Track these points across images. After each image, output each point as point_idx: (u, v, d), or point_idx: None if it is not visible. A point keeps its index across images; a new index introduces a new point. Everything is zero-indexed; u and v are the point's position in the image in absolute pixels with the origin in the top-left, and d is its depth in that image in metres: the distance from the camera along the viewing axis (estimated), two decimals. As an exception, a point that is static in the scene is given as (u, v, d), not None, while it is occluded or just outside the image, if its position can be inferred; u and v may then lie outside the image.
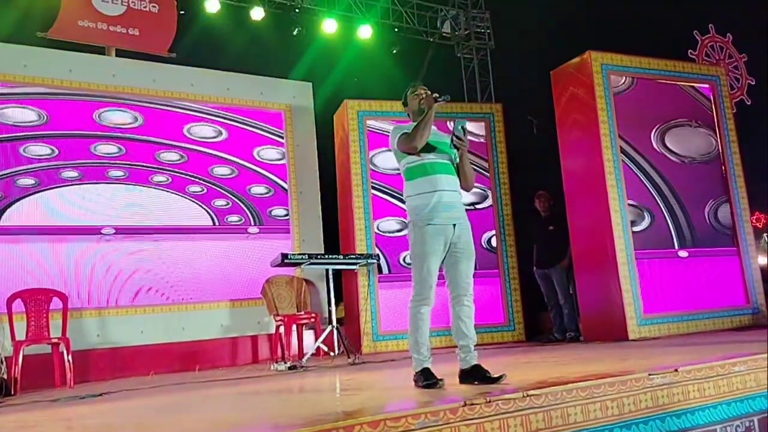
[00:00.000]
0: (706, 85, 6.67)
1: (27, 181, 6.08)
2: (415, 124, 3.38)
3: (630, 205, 5.98)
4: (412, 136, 3.25)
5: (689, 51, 7.93)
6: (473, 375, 3.16)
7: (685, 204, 6.26)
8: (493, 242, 7.20)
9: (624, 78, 6.30)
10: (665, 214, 6.19)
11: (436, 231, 3.20)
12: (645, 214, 6.07)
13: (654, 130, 6.32)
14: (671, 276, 6.03)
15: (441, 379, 3.10)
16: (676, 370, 2.84)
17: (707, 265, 6.20)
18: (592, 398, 2.61)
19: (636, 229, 5.96)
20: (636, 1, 7.47)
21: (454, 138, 3.30)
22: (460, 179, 3.37)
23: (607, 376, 2.80)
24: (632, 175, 6.09)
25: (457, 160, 3.40)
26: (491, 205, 7.25)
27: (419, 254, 3.22)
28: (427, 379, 3.13)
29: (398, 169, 3.46)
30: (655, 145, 6.29)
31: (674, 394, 2.79)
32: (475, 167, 7.12)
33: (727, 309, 6.08)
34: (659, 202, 6.18)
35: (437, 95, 3.34)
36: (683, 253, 6.16)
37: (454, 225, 3.24)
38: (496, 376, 3.09)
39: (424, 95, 3.43)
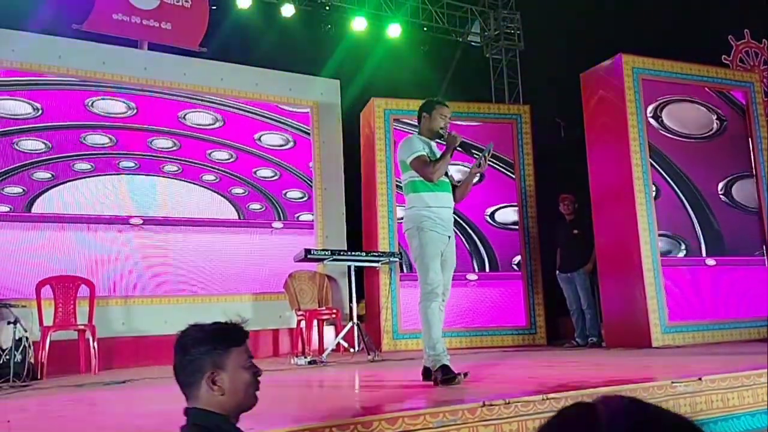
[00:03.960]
0: (740, 92, 6.55)
1: (58, 170, 6.21)
2: (425, 138, 3.62)
3: (663, 235, 5.88)
4: (434, 171, 3.47)
5: (723, 56, 7.79)
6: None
7: (714, 211, 6.16)
8: (497, 216, 7.15)
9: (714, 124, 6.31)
10: (694, 221, 6.09)
11: (437, 237, 3.50)
12: (681, 243, 5.98)
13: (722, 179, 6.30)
14: (698, 284, 5.92)
15: (459, 374, 3.14)
16: (699, 379, 2.80)
17: (735, 275, 6.08)
18: (613, 404, 2.58)
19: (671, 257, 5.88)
20: (669, 5, 7.35)
21: (482, 158, 3.54)
22: (456, 193, 3.66)
23: (629, 382, 2.78)
24: (662, 183, 6.00)
25: (451, 179, 3.67)
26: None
27: (425, 255, 3.46)
28: (445, 374, 3.17)
29: None
30: (718, 190, 6.23)
31: (697, 403, 2.75)
32: (501, 169, 7.22)
33: (754, 319, 5.96)
34: (689, 210, 6.08)
35: (462, 139, 3.59)
36: (711, 261, 6.05)
37: (449, 237, 3.56)
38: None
39: (449, 119, 3.67)
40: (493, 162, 7.21)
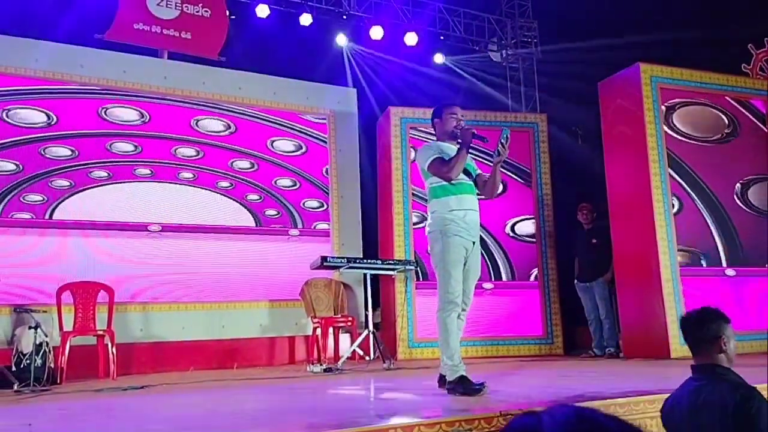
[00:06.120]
0: (760, 101, 6.49)
1: (79, 177, 6.29)
2: (444, 143, 3.55)
3: (684, 250, 5.83)
4: (450, 168, 3.38)
5: (743, 65, 7.72)
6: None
7: (730, 214, 6.10)
8: (517, 229, 7.11)
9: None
10: (714, 230, 6.02)
11: (461, 243, 3.38)
12: (701, 258, 5.93)
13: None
14: (717, 295, 5.85)
15: (483, 384, 3.13)
16: (719, 391, 2.76)
17: (755, 285, 6.01)
18: (631, 416, 2.56)
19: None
20: (688, 14, 7.31)
21: (500, 145, 3.40)
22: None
23: (647, 393, 2.75)
24: (681, 192, 5.95)
25: (477, 172, 3.59)
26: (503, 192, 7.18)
27: (447, 262, 3.35)
28: (467, 386, 3.14)
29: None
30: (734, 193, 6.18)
31: (716, 415, 2.71)
32: (517, 178, 7.20)
33: (775, 331, 5.88)
34: (708, 221, 6.02)
35: (474, 131, 3.45)
36: (731, 272, 5.98)
37: (473, 243, 3.46)
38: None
39: (461, 119, 3.57)
40: (509, 171, 7.19)
